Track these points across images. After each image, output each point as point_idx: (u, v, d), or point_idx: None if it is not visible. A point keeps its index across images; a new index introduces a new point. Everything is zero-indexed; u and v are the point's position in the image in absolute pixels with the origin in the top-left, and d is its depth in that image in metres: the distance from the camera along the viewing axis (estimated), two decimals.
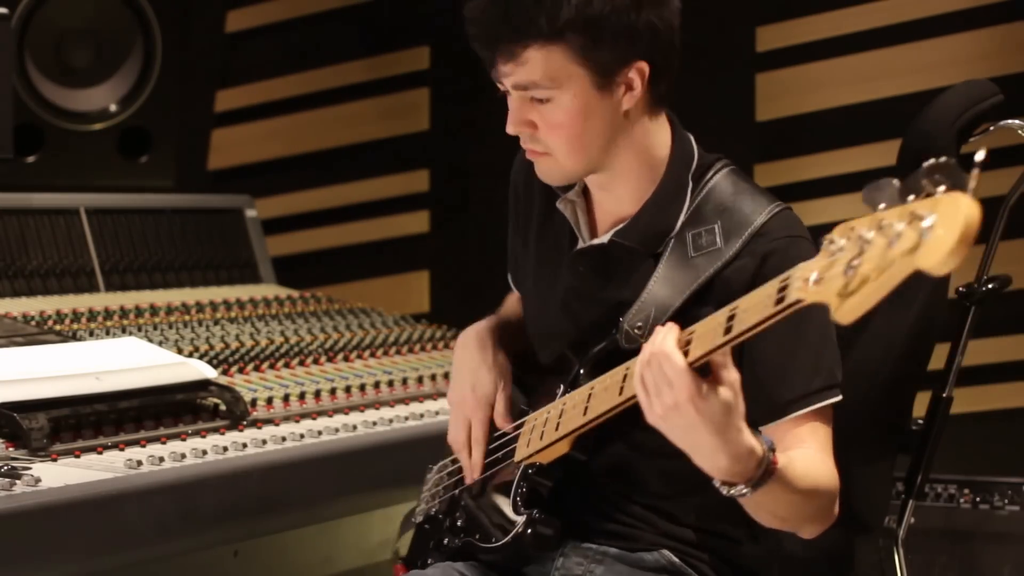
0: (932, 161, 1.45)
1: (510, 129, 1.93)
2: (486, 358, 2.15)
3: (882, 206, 1.48)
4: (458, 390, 2.16)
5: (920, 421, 2.38)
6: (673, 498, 2.04)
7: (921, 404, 2.37)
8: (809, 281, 1.55)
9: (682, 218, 2.00)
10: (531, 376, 2.18)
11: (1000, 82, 2.34)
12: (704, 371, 1.71)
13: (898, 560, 2.39)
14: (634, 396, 1.77)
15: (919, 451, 2.35)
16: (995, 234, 2.42)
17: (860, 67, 3.64)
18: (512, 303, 2.36)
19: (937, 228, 1.39)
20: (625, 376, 1.83)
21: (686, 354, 1.70)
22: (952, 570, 3.08)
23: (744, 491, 1.76)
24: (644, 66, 1.94)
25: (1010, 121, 2.39)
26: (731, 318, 1.67)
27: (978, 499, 3.07)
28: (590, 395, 1.91)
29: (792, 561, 2.17)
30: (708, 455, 1.74)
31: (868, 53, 3.63)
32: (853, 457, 2.00)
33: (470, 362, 2.16)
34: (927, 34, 3.56)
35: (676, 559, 2.04)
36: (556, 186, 2.04)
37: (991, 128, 2.36)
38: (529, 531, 1.98)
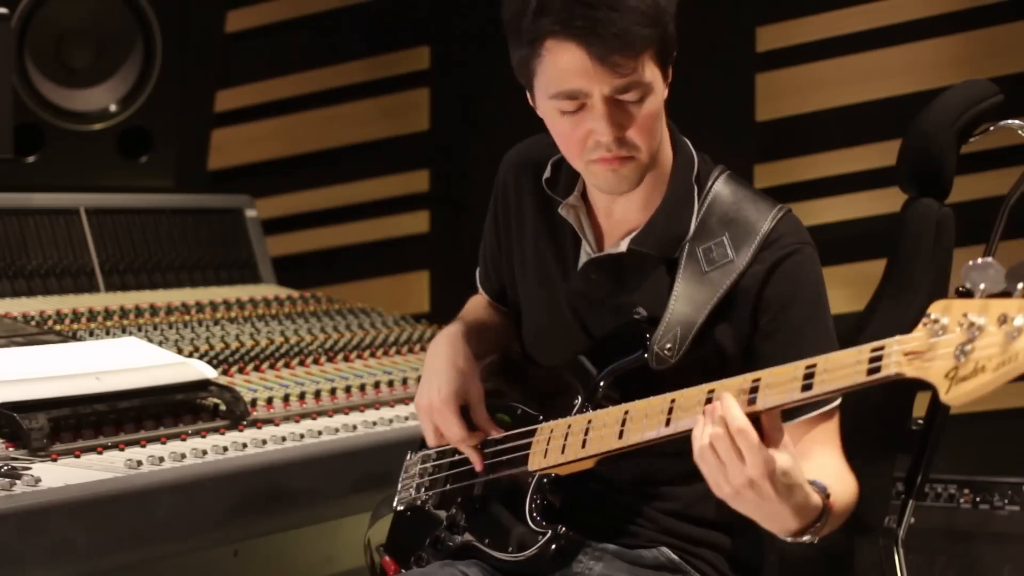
0: None
1: (609, 136, 1.90)
2: (455, 360, 2.13)
3: (982, 287, 1.49)
4: (424, 394, 2.14)
5: (920, 421, 2.37)
6: (670, 493, 2.04)
7: (921, 404, 2.37)
8: (908, 356, 1.55)
9: (694, 222, 2.02)
10: (527, 377, 2.18)
11: (1000, 82, 2.34)
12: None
13: (898, 560, 2.39)
14: (686, 430, 1.76)
15: (919, 451, 2.35)
16: (995, 234, 2.41)
17: (860, 67, 3.64)
18: (476, 307, 2.33)
19: None
20: (671, 408, 1.82)
21: (752, 402, 1.70)
22: (952, 570, 3.08)
23: (809, 539, 1.78)
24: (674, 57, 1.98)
25: (1010, 121, 2.39)
26: (810, 375, 1.67)
27: (978, 499, 3.06)
28: (625, 419, 1.89)
29: (791, 560, 2.17)
30: (779, 522, 1.75)
31: (868, 53, 3.63)
32: (853, 457, 2.00)
33: (437, 363, 2.15)
34: (927, 34, 3.56)
35: (675, 556, 2.04)
36: (624, 193, 2.00)
37: (991, 128, 2.36)
38: (553, 547, 1.98)
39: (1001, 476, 3.07)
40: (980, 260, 1.51)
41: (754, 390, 1.71)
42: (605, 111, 1.89)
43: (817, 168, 3.72)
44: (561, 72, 1.89)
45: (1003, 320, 1.46)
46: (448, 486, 2.17)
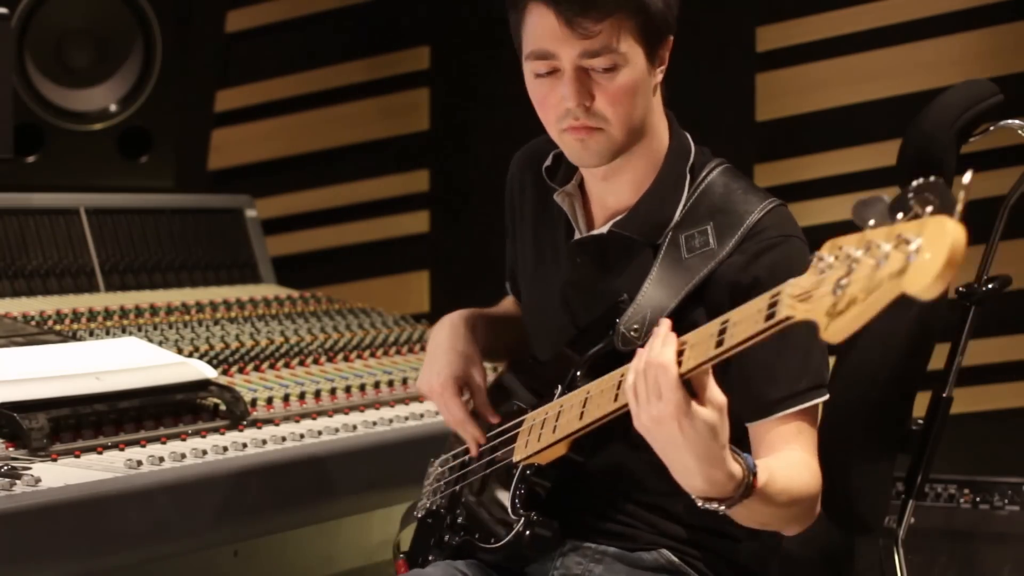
0: (920, 180, 1.44)
1: (573, 101, 1.93)
2: (455, 343, 2.19)
3: (871, 223, 1.47)
4: (424, 378, 2.20)
5: (920, 421, 2.37)
6: (671, 495, 2.03)
7: (921, 404, 2.37)
8: (798, 298, 1.54)
9: (679, 210, 2.01)
10: (529, 372, 2.19)
11: (1000, 82, 2.34)
12: (690, 389, 1.69)
13: (898, 560, 2.39)
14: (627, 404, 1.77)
15: (919, 451, 2.35)
16: (995, 234, 2.41)
17: (860, 67, 3.64)
18: (503, 302, 2.38)
19: (923, 252, 1.38)
20: (620, 383, 1.83)
21: (678, 364, 1.69)
22: (952, 570, 3.08)
23: (720, 508, 1.77)
24: (671, 40, 1.99)
25: (1010, 121, 2.39)
26: (723, 331, 1.67)
27: (978, 499, 3.06)
28: (586, 399, 1.90)
29: (791, 561, 2.17)
30: (684, 474, 1.74)
31: (868, 53, 3.63)
32: (853, 457, 2.01)
33: (435, 348, 2.21)
34: (927, 34, 3.56)
35: (675, 558, 2.04)
36: (593, 167, 2.02)
37: (991, 128, 2.36)
38: (527, 533, 1.99)
39: (1001, 476, 3.08)
40: (869, 196, 1.47)
41: (681, 352, 1.71)
42: (572, 76, 1.93)
43: (817, 168, 3.72)
44: (535, 33, 1.94)
45: (871, 247, 1.43)
46: (458, 487, 2.19)
